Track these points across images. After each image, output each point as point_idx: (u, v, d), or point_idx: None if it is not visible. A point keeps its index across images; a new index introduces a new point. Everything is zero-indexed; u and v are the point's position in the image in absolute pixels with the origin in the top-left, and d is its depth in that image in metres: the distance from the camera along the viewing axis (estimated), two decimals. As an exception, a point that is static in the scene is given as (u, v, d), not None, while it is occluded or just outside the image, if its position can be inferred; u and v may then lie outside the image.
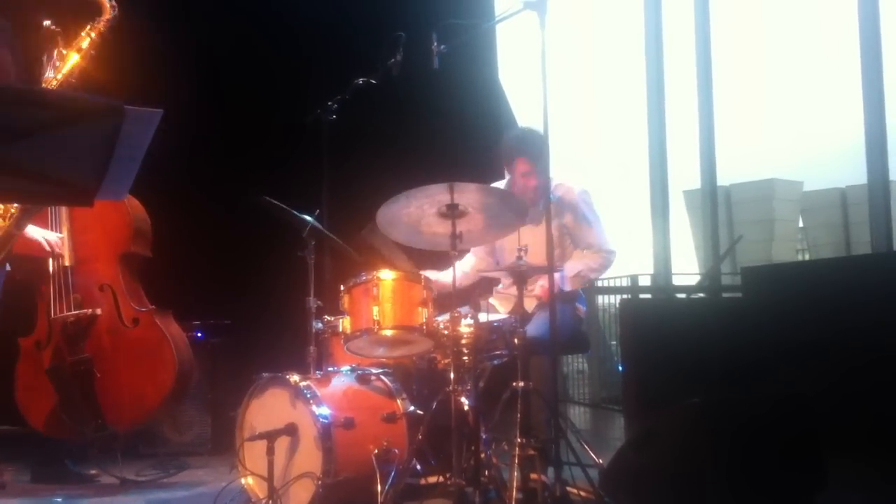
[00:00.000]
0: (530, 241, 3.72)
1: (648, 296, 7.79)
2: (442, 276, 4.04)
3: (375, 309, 3.61)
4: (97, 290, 4.47)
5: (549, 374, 3.69)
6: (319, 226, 3.92)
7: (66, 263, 4.41)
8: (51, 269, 4.40)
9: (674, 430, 3.09)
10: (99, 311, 4.43)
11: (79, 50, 3.48)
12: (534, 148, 4.09)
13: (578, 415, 7.82)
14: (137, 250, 4.60)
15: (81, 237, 4.46)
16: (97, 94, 1.72)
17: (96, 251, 4.50)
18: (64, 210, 4.38)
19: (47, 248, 4.32)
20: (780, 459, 3.03)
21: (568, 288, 4.19)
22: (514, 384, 3.50)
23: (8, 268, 4.22)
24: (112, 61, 5.04)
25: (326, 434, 3.46)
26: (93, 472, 4.57)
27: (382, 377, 3.83)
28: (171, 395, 4.48)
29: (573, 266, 4.24)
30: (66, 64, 3.48)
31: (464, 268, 4.42)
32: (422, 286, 3.68)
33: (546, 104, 3.41)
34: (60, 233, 4.41)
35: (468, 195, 3.47)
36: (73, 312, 4.39)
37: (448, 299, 3.59)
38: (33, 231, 4.31)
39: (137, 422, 4.57)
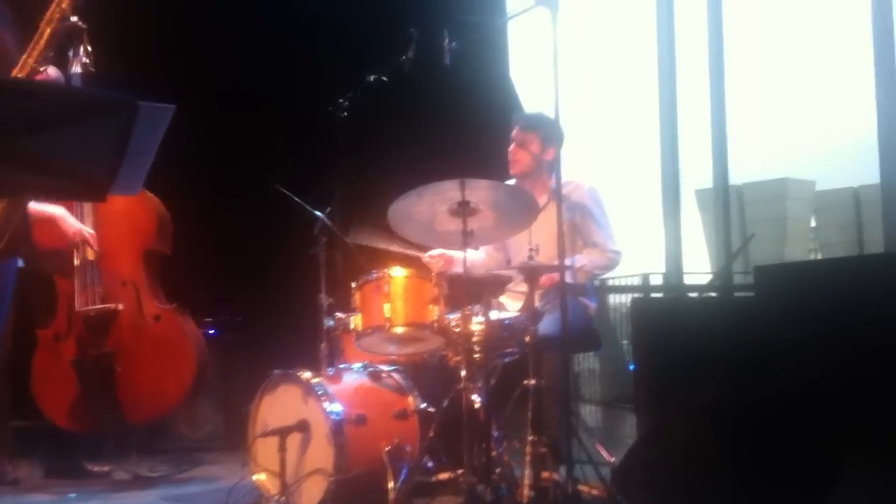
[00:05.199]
0: (540, 240, 3.72)
1: (660, 295, 7.77)
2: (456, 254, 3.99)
3: (387, 306, 3.62)
4: (120, 286, 4.49)
5: (561, 371, 3.69)
6: (329, 222, 3.93)
7: (90, 257, 4.42)
8: (76, 262, 4.41)
9: (685, 427, 3.08)
10: (121, 307, 4.45)
11: (48, 23, 3.36)
12: (529, 120, 4.20)
13: (590, 413, 7.80)
14: (160, 248, 4.63)
15: (105, 231, 4.47)
16: (110, 88, 1.72)
17: (120, 246, 4.51)
18: (88, 204, 4.39)
19: (78, 239, 4.32)
20: (792, 456, 3.02)
21: (572, 281, 4.17)
22: (526, 382, 3.50)
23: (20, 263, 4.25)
24: (126, 55, 5.06)
25: (338, 431, 3.46)
26: (106, 467, 4.60)
27: (394, 374, 3.84)
28: (190, 392, 4.51)
29: (579, 260, 4.23)
30: (41, 40, 3.32)
31: (476, 256, 4.43)
32: (433, 283, 3.68)
33: (557, 101, 3.41)
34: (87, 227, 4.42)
35: (479, 192, 3.47)
36: (96, 307, 4.40)
37: (461, 286, 3.58)
38: (71, 221, 4.30)
39: (155, 417, 4.60)
